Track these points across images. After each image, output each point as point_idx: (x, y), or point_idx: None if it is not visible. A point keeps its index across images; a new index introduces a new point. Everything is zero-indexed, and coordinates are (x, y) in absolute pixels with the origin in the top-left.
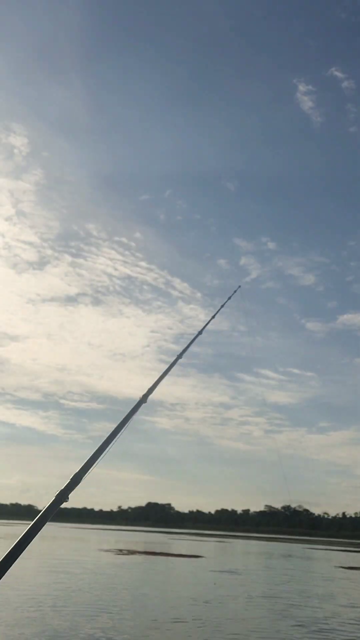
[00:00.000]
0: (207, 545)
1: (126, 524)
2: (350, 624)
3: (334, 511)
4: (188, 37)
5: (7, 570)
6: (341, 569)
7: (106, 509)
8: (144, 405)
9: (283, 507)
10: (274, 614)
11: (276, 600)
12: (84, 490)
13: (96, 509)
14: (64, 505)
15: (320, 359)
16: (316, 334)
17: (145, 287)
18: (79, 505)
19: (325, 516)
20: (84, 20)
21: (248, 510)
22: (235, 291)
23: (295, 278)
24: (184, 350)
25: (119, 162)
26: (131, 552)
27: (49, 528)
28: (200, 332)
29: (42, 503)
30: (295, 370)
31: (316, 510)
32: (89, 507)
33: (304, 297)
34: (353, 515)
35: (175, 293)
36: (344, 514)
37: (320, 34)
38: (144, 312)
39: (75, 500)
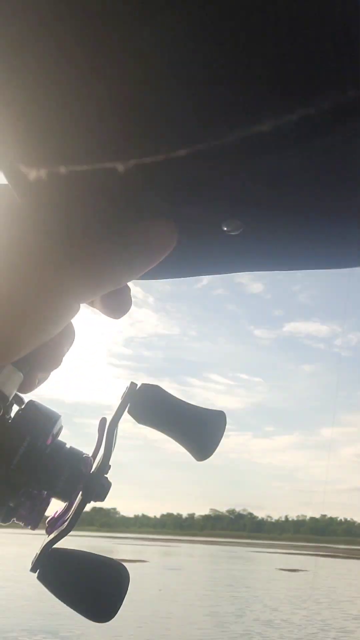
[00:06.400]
0: (152, 550)
1: None
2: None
3: (276, 514)
4: None
5: None
6: (282, 571)
7: (49, 513)
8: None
9: (228, 511)
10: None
11: (216, 606)
12: None
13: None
14: None
15: (267, 365)
16: (263, 341)
17: None
18: None
19: (269, 519)
20: None
21: (193, 514)
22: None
23: (244, 286)
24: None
25: None
26: None
27: None
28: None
29: None
30: (243, 376)
31: (260, 514)
32: None
33: (252, 304)
34: (295, 518)
35: None
36: (286, 517)
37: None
38: (93, 314)
39: None
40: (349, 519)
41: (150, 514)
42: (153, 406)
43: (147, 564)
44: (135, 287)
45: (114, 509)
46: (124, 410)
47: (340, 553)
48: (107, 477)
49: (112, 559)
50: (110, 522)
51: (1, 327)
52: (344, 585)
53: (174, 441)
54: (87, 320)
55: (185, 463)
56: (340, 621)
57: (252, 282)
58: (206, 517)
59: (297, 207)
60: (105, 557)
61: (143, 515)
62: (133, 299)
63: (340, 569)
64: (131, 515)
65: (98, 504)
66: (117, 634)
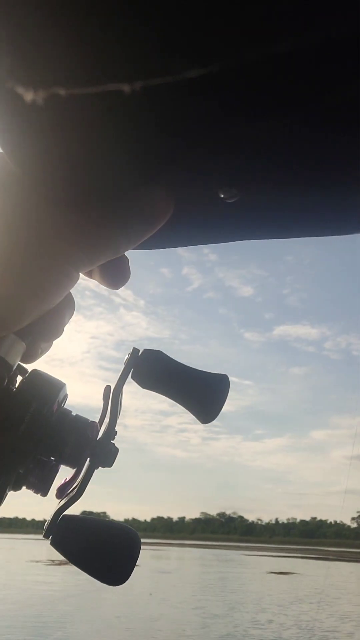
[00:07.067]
0: (142, 553)
1: None
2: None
3: (267, 517)
4: None
5: None
6: (272, 574)
7: (39, 518)
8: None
9: (218, 514)
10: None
11: (204, 610)
12: (15, 498)
13: (28, 518)
14: None
15: (257, 367)
16: (254, 344)
17: (87, 292)
18: (10, 515)
19: (259, 522)
20: None
21: (184, 517)
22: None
23: (235, 289)
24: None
25: None
26: (63, 563)
27: None
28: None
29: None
30: (234, 379)
31: (250, 517)
32: (20, 516)
33: (242, 307)
34: (285, 521)
35: (117, 300)
36: (276, 520)
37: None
38: (84, 318)
39: (5, 509)
40: (339, 521)
41: (141, 518)
42: (156, 370)
43: (137, 567)
44: (127, 290)
45: (104, 513)
46: (127, 376)
47: (331, 555)
48: (113, 443)
49: (122, 524)
50: None
51: (2, 297)
52: (334, 587)
53: (166, 443)
54: (79, 322)
55: (176, 466)
56: (327, 621)
57: (242, 286)
58: (197, 521)
59: (295, 173)
60: (116, 522)
61: (133, 519)
62: (123, 302)
63: (330, 570)
64: (121, 519)
65: (87, 508)
66: (106, 635)
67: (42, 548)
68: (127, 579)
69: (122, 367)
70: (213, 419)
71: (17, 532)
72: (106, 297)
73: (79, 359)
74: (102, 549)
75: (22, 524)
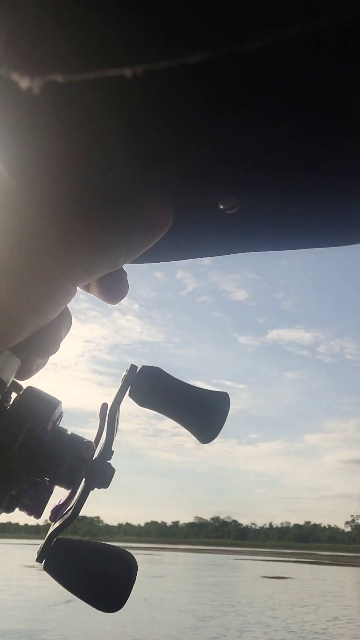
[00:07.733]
0: (136, 558)
1: None
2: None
3: (261, 521)
4: None
5: None
6: (267, 579)
7: (32, 522)
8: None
9: (212, 519)
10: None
11: (196, 613)
12: None
13: (21, 523)
14: None
15: (251, 371)
16: (248, 348)
17: (81, 296)
18: (4, 520)
19: (253, 526)
20: None
21: (177, 522)
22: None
23: (229, 293)
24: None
25: None
26: None
27: None
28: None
29: None
30: (228, 383)
31: (244, 521)
32: (13, 521)
33: (236, 311)
34: (279, 525)
35: None
36: (270, 524)
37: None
38: (78, 321)
39: None
40: (332, 525)
41: (134, 522)
42: (154, 388)
43: None
44: None
45: (98, 517)
46: (124, 394)
47: (325, 560)
48: (110, 463)
49: (119, 548)
50: (93, 530)
51: None
52: (326, 590)
53: (160, 447)
54: (73, 325)
55: (170, 471)
56: (318, 623)
57: (236, 289)
58: (190, 525)
59: (295, 184)
60: (112, 545)
61: (127, 524)
62: (117, 306)
63: (324, 575)
64: (115, 523)
65: (80, 513)
66: (103, 638)
67: (34, 553)
68: (122, 606)
69: (117, 370)
70: (213, 438)
71: (10, 537)
72: (100, 301)
73: (73, 363)
74: (97, 575)
75: (15, 529)
